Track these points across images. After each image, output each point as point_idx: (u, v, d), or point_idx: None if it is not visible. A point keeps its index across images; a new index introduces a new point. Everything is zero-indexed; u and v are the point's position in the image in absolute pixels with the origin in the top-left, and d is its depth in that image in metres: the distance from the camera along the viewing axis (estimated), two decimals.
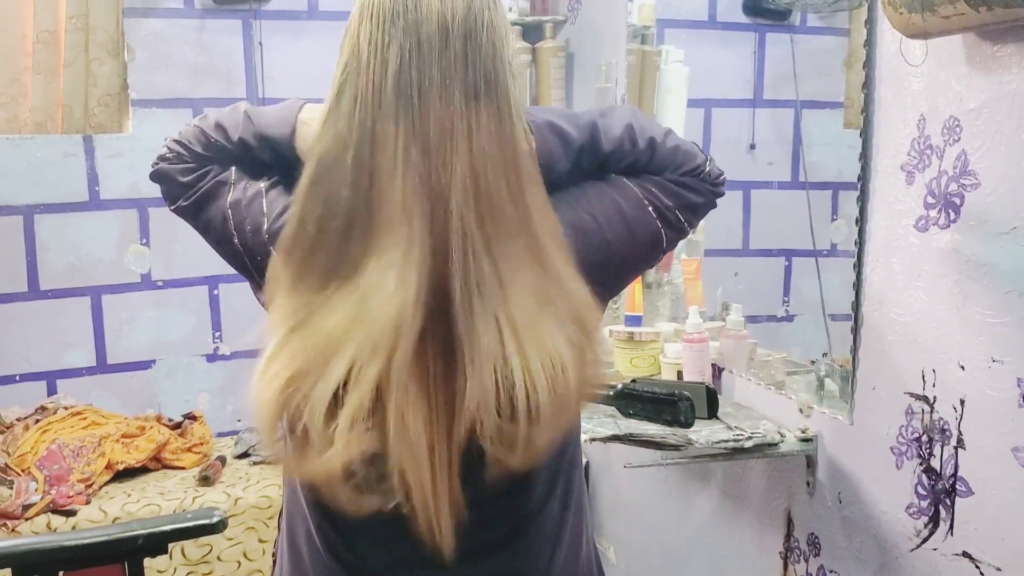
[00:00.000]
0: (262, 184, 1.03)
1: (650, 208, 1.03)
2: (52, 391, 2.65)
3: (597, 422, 1.65)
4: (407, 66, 0.90)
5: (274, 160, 1.04)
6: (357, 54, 0.92)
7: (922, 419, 1.34)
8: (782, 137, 2.26)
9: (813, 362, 1.81)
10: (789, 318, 2.26)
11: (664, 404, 1.64)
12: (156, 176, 1.07)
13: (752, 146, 2.31)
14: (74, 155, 2.59)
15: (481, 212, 0.88)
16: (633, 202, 1.03)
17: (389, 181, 0.88)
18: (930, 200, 1.32)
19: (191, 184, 1.05)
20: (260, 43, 2.66)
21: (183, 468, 2.51)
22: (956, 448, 1.28)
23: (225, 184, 1.04)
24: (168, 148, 1.06)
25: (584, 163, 1.03)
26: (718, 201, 1.09)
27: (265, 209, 1.01)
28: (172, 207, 1.07)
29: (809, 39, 2.19)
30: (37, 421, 2.48)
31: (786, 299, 2.26)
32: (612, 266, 1.01)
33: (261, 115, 1.05)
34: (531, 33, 2.64)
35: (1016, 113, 1.17)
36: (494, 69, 0.92)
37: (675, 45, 2.33)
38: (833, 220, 2.16)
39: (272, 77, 2.69)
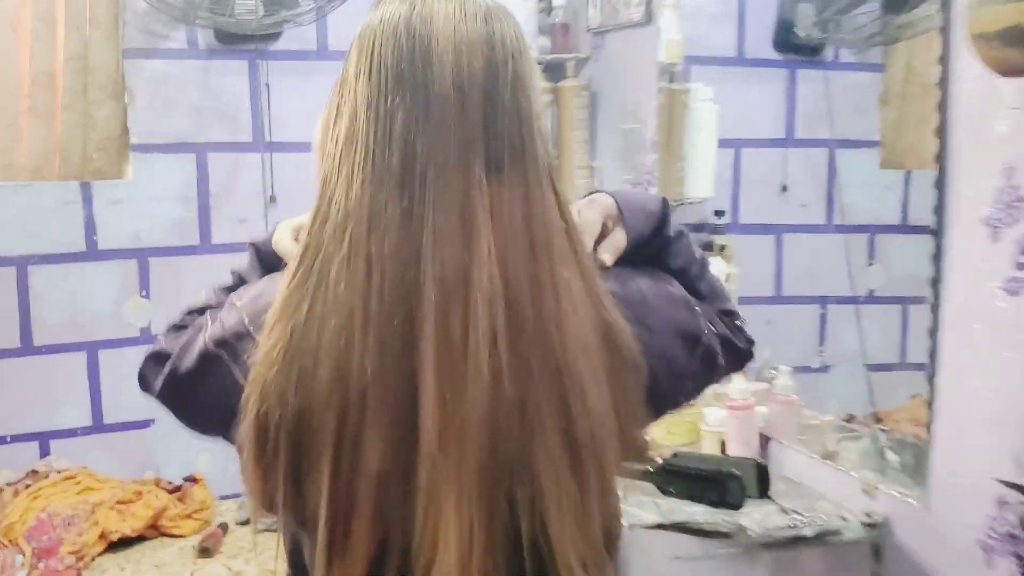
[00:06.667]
0: None
1: (701, 316, 0.92)
2: (45, 452, 2.54)
3: (635, 502, 1.51)
4: (415, 138, 0.78)
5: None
6: (355, 120, 0.80)
7: (1018, 512, 1.17)
8: (816, 178, 2.26)
9: (849, 418, 1.68)
10: (824, 369, 2.22)
11: (710, 482, 1.49)
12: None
13: (784, 188, 2.29)
14: (71, 203, 2.50)
15: (509, 311, 0.77)
16: (682, 304, 0.91)
17: (397, 278, 0.76)
18: (1022, 260, 1.16)
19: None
20: (267, 85, 2.59)
21: (182, 536, 2.37)
22: None
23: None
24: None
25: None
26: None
27: None
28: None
29: (842, 75, 2.21)
30: (28, 486, 2.36)
31: (821, 349, 2.24)
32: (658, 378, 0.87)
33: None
34: (552, 71, 2.58)
35: None
36: (520, 134, 0.80)
37: (703, 83, 2.30)
38: (870, 264, 2.16)
39: (280, 120, 2.62)
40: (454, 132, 0.78)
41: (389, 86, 0.79)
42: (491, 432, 0.76)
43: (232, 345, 0.87)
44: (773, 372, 1.88)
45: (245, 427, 0.81)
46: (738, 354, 0.94)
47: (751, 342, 0.97)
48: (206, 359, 0.89)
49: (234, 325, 0.88)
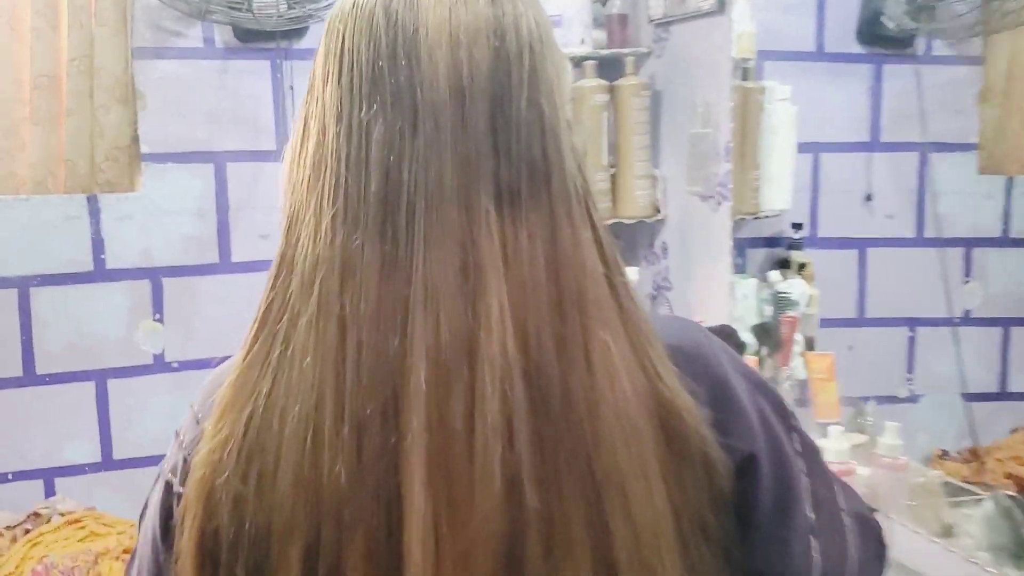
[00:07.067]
0: None
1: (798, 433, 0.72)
2: (50, 491, 2.43)
3: None
4: (398, 159, 0.63)
5: None
6: (323, 137, 0.67)
7: None
8: (904, 186, 2.20)
9: (942, 454, 1.64)
10: (913, 399, 2.15)
11: None
12: None
13: (868, 197, 2.22)
14: (76, 218, 2.40)
15: (531, 391, 0.60)
16: (770, 394, 0.72)
17: (377, 348, 0.60)
18: None
19: None
20: (291, 87, 2.49)
21: None
22: None
23: None
24: None
25: None
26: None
27: None
28: None
29: (935, 70, 2.14)
30: (27, 531, 2.24)
31: (910, 376, 2.18)
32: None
33: None
34: (609, 68, 2.39)
35: None
36: (542, 152, 0.65)
37: (778, 80, 2.18)
38: (966, 282, 2.12)
39: None
40: (451, 151, 0.63)
41: (364, 91, 0.65)
42: (508, 561, 0.59)
43: (183, 456, 0.71)
44: (870, 421, 1.62)
45: (183, 551, 0.65)
46: (868, 526, 0.71)
47: (874, 510, 0.74)
48: (156, 490, 0.76)
49: (185, 425, 0.71)
